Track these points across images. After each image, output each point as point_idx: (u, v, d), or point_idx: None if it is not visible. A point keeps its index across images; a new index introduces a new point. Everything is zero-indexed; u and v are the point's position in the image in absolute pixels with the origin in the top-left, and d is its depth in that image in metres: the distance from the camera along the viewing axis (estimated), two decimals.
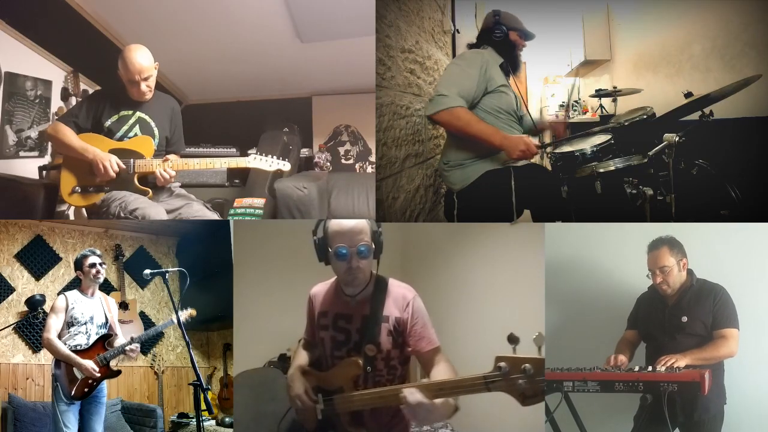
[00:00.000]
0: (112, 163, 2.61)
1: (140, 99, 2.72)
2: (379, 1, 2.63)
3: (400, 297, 1.88)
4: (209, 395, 2.38)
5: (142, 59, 2.61)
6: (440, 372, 1.79)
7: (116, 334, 2.67)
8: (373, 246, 1.85)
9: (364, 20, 2.76)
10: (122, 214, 2.56)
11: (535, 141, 2.62)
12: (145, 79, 2.65)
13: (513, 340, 1.51)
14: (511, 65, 2.82)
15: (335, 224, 1.86)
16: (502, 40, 2.79)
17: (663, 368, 2.27)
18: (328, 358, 1.94)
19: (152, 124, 2.75)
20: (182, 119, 2.95)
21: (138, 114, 2.72)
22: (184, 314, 2.69)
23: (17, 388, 3.14)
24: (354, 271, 1.83)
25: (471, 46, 2.92)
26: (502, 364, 1.47)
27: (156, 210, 2.59)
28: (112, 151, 2.64)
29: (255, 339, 2.53)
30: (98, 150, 2.61)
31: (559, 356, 2.38)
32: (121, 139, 2.69)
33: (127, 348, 2.59)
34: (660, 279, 2.46)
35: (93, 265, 2.65)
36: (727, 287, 2.45)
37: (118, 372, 2.65)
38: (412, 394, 1.59)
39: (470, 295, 2.58)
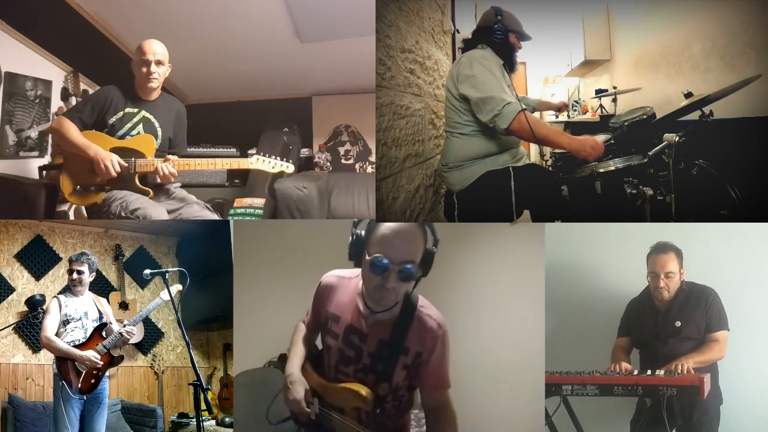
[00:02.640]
0: (114, 162, 2.59)
1: (146, 93, 2.70)
2: (379, 1, 2.62)
3: (428, 331, 1.65)
4: (209, 395, 2.38)
5: (159, 45, 2.68)
6: (442, 417, 1.70)
7: (111, 322, 2.67)
8: (420, 272, 1.56)
9: (364, 20, 2.75)
10: (123, 214, 2.54)
11: (600, 138, 2.57)
12: (158, 63, 2.65)
13: None
14: (509, 66, 2.78)
15: (385, 226, 1.56)
16: (502, 42, 2.74)
17: (662, 372, 2.27)
18: (331, 368, 1.76)
19: (156, 124, 2.72)
20: None
21: (143, 113, 2.70)
22: (174, 289, 2.60)
23: (17, 388, 3.14)
24: (386, 292, 1.55)
25: (467, 43, 2.86)
26: None
27: (157, 210, 2.58)
28: (114, 150, 2.62)
29: (255, 339, 2.52)
30: (100, 148, 2.59)
31: (559, 358, 2.38)
32: (123, 136, 2.67)
33: (123, 331, 2.59)
34: (663, 284, 2.45)
35: (71, 272, 2.64)
36: (726, 287, 2.46)
37: (121, 358, 2.66)
38: None
39: (470, 295, 2.58)
